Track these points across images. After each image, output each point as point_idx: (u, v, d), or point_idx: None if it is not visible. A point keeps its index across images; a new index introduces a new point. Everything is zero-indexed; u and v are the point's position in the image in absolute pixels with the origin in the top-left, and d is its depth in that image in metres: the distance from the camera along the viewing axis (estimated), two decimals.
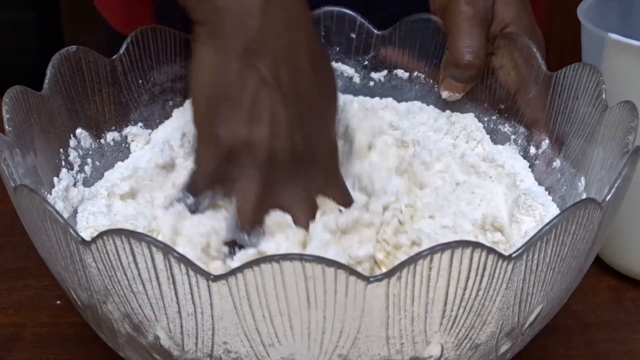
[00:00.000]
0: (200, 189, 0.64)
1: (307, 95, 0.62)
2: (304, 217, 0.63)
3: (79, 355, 0.69)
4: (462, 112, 0.78)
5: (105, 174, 0.73)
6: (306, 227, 0.63)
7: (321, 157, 0.64)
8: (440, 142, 0.75)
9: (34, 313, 0.74)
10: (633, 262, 0.76)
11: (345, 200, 0.65)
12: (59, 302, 0.74)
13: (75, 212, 0.69)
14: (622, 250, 0.75)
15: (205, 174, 0.63)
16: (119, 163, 0.74)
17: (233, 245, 0.62)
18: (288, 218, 0.62)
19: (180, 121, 0.76)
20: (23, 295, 0.76)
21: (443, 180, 0.73)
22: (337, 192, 0.65)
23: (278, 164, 0.61)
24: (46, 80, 0.68)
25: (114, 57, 0.74)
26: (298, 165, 0.62)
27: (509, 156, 0.74)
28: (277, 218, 0.62)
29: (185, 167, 0.72)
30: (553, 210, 0.68)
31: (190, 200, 0.64)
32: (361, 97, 0.81)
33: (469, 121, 0.76)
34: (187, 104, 0.77)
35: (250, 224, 0.62)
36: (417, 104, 0.80)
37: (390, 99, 0.80)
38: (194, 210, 0.64)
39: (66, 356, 0.70)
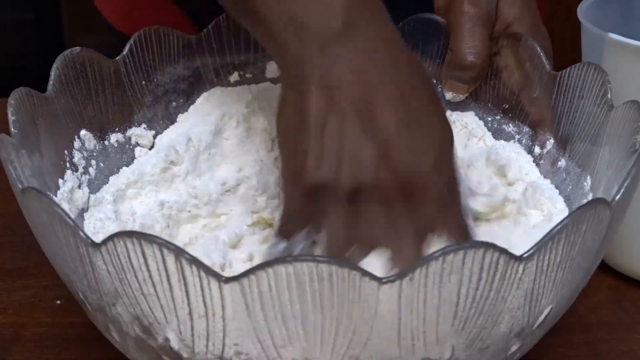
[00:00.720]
0: (290, 231, 0.60)
1: (396, 127, 0.58)
2: (401, 256, 0.58)
3: (79, 355, 0.69)
4: (463, 111, 0.78)
5: (110, 178, 0.72)
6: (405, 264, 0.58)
7: (427, 192, 0.58)
8: None
9: (33, 313, 0.73)
10: (633, 262, 0.76)
11: (462, 240, 0.60)
12: (59, 302, 0.74)
13: (80, 214, 0.69)
14: (622, 250, 0.76)
15: (291, 214, 0.60)
16: (124, 168, 0.73)
17: None
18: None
19: (185, 126, 0.76)
20: (23, 295, 0.75)
21: None
22: (450, 230, 0.60)
23: (364, 201, 0.58)
24: (50, 82, 0.68)
25: (117, 58, 0.74)
26: (392, 201, 0.58)
27: (512, 150, 0.73)
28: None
29: (188, 173, 0.72)
30: (560, 205, 0.68)
31: (282, 246, 0.60)
32: None
33: (469, 119, 0.76)
34: (192, 109, 0.77)
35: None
36: None
37: None
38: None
39: (66, 356, 0.69)
